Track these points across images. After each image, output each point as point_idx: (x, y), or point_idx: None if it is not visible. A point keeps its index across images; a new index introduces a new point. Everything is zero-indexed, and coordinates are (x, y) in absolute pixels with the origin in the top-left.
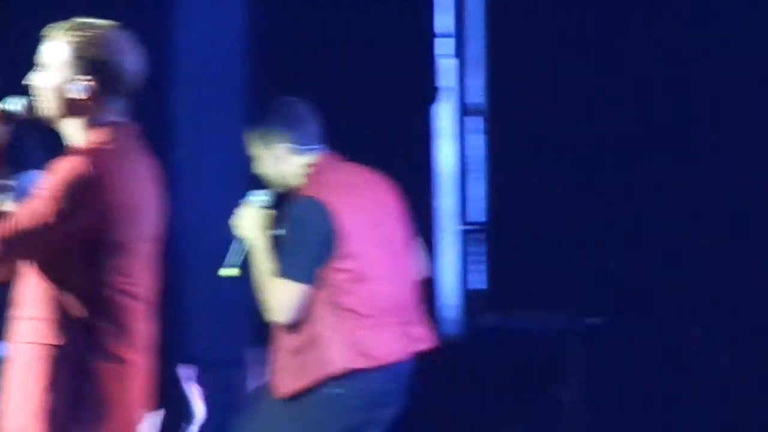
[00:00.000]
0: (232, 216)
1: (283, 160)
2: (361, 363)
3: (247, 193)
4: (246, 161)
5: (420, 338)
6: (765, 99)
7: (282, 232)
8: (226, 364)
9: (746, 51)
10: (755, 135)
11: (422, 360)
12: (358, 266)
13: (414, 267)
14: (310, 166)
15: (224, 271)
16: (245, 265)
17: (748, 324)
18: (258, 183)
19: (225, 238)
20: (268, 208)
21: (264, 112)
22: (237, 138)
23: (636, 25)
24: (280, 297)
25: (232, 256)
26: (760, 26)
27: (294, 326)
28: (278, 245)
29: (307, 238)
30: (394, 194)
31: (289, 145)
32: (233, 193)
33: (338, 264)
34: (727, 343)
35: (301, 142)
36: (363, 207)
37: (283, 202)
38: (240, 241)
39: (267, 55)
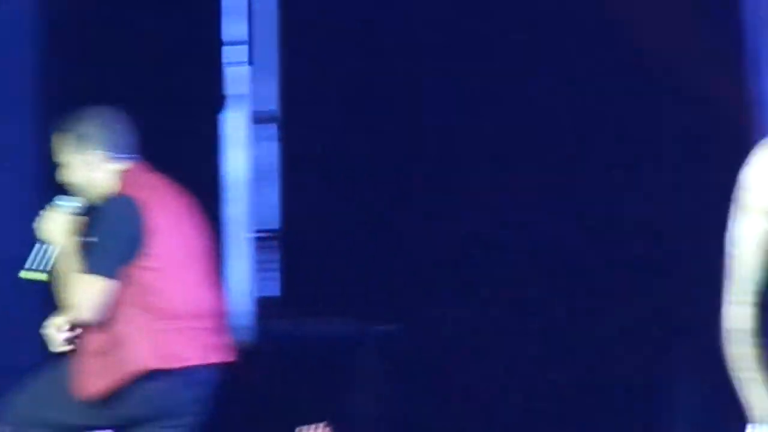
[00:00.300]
0: (35, 219)
1: (94, 167)
2: (161, 363)
3: (55, 198)
4: (39, 156)
5: (220, 348)
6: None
7: (92, 239)
8: (18, 370)
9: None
10: (537, 134)
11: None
12: (163, 266)
13: (215, 277)
14: (120, 173)
15: (26, 274)
16: (49, 271)
17: (539, 326)
18: (53, 182)
19: (15, 238)
20: (76, 214)
21: (75, 119)
22: (28, 133)
23: (426, 28)
24: (86, 294)
25: (36, 259)
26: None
27: (98, 326)
28: (86, 250)
29: (116, 234)
30: (193, 207)
31: (101, 152)
32: (29, 194)
33: (145, 262)
34: (521, 345)
35: (114, 150)
36: (170, 210)
37: (92, 209)
38: (45, 245)
39: (57, 58)
